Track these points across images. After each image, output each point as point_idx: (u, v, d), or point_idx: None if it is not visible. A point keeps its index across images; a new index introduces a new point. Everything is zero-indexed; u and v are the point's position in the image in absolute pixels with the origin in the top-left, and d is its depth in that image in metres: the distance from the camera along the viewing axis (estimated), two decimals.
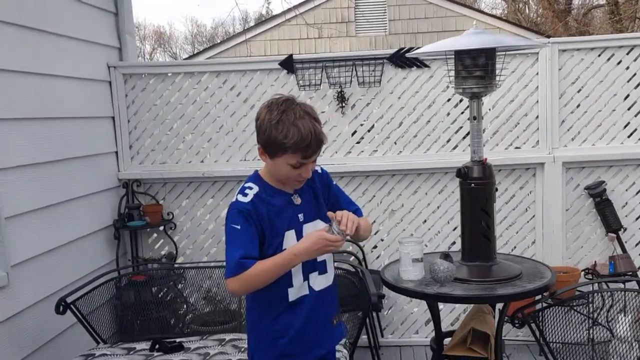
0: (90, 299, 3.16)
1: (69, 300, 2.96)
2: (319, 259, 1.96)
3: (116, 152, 3.94)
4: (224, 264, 3.71)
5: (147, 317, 3.74)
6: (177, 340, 3.01)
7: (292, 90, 3.90)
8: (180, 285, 3.89)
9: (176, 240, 4.03)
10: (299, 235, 1.90)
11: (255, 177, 1.94)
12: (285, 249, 1.86)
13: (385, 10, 9.91)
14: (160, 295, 3.94)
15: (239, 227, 1.82)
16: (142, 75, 3.96)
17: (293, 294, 1.91)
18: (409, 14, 9.85)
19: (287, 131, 1.77)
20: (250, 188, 1.88)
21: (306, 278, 1.94)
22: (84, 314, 3.05)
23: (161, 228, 4.00)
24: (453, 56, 2.67)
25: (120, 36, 4.00)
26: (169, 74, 3.97)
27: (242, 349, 2.87)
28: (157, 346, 2.93)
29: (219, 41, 17.00)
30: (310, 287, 1.95)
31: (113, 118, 3.92)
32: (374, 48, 9.56)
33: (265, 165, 1.94)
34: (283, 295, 1.90)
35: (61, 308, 2.89)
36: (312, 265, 1.94)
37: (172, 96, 3.97)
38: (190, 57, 14.57)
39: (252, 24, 17.70)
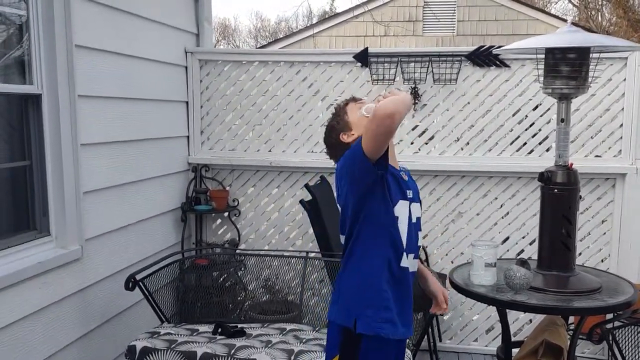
0: (156, 278, 3.21)
1: (138, 277, 3.01)
2: (419, 243, 2.00)
3: (187, 137, 4.00)
4: (284, 253, 3.75)
5: (207, 300, 3.78)
6: (239, 325, 3.01)
7: (364, 84, 3.85)
8: (240, 272, 3.91)
9: (239, 227, 4.06)
10: (408, 211, 1.92)
11: None
12: (397, 217, 1.89)
13: (454, 10, 9.72)
14: (220, 280, 3.97)
15: None
16: (217, 61, 4.00)
17: (405, 261, 1.92)
18: (479, 16, 9.61)
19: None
20: None
21: (409, 254, 1.95)
22: (150, 291, 3.10)
23: (226, 214, 4.04)
24: (543, 54, 2.57)
25: (199, 22, 4.04)
26: (244, 62, 3.99)
27: (304, 340, 2.85)
28: (219, 330, 2.95)
29: (281, 36, 17.14)
30: (410, 265, 1.96)
31: (187, 103, 3.98)
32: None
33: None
34: (397, 257, 1.90)
35: (130, 284, 2.94)
36: (414, 247, 1.96)
37: (245, 84, 3.99)
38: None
39: (315, 20, 17.75)
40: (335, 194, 2.00)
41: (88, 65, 2.89)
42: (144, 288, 3.02)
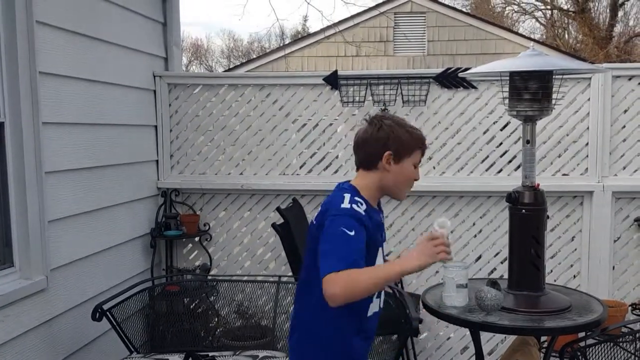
0: (125, 307, 3.14)
1: (105, 307, 2.94)
2: None
3: (157, 161, 3.95)
4: (257, 277, 3.71)
5: (178, 328, 3.71)
6: (210, 354, 2.96)
7: (335, 106, 3.87)
8: (212, 297, 3.85)
9: (211, 252, 4.01)
10: (382, 255, 1.91)
11: (356, 192, 1.88)
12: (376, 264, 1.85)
13: (424, 30, 9.88)
14: (192, 307, 3.91)
15: (352, 233, 1.72)
16: (186, 85, 3.98)
17: (371, 309, 1.88)
18: (448, 36, 9.79)
19: (413, 132, 1.91)
20: (361, 203, 1.82)
21: (378, 296, 1.93)
22: (118, 321, 3.03)
23: (197, 239, 3.99)
24: (507, 77, 2.61)
25: (167, 46, 4.03)
26: (213, 85, 3.97)
27: None
28: (190, 359, 2.88)
29: (254, 56, 17.20)
30: (378, 307, 1.94)
31: (156, 127, 3.94)
32: (411, 68, 9.51)
33: (369, 181, 1.91)
34: (365, 309, 1.87)
35: (97, 315, 2.87)
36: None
37: (214, 107, 3.97)
38: (227, 70, 14.75)
39: (287, 40, 17.86)
40: (314, 221, 1.88)
41: (53, 91, 2.85)
42: (111, 318, 2.95)
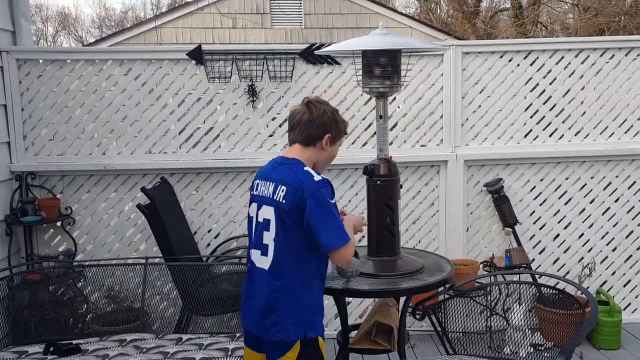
0: None
1: None
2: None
3: (8, 143, 3.67)
4: (128, 260, 3.59)
5: (43, 317, 3.52)
6: (74, 342, 2.86)
7: (202, 81, 3.80)
8: (79, 283, 3.69)
9: (75, 237, 3.83)
10: None
11: (305, 164, 2.15)
12: None
13: (300, 3, 9.90)
14: (57, 295, 3.72)
15: (333, 201, 2.09)
16: (38, 61, 3.71)
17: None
18: (324, 9, 9.90)
19: (344, 121, 2.29)
20: (317, 172, 2.13)
21: None
22: None
23: (59, 224, 3.78)
24: (361, 55, 2.71)
25: (15, 19, 3.72)
26: (68, 61, 3.74)
27: (144, 350, 2.78)
28: (51, 349, 2.77)
29: (128, 26, 16.29)
30: None
31: (5, 106, 3.65)
32: (289, 41, 9.53)
33: (308, 156, 2.18)
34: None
35: None
36: None
37: (71, 84, 3.75)
38: (97, 41, 13.86)
39: (164, 9, 17.11)
40: (282, 200, 2.06)
41: None
42: None
